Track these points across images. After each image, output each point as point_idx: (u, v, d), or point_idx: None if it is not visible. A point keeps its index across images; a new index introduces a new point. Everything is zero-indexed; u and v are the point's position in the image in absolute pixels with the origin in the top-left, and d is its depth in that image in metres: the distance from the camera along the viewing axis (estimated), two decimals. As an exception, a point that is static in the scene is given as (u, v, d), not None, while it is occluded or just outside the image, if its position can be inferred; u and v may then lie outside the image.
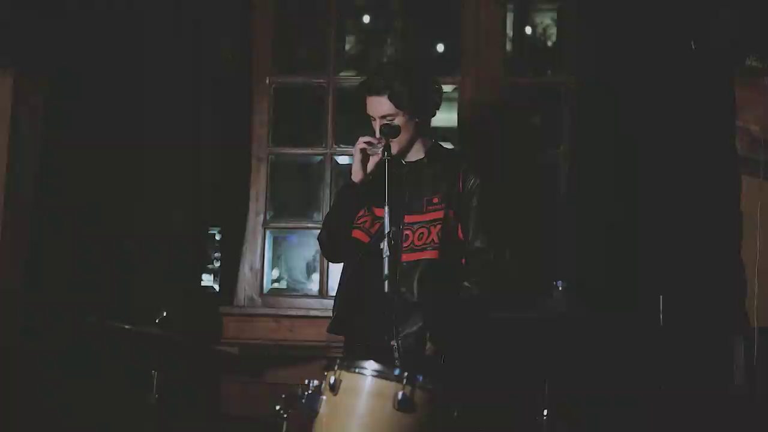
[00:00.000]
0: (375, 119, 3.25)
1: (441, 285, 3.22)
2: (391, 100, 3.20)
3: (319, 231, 4.26)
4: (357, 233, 3.34)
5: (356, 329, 3.30)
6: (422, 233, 3.25)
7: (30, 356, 3.84)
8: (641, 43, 3.81)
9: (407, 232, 3.27)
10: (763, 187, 3.80)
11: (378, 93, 3.22)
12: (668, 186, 3.77)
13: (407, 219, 3.28)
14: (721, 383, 3.61)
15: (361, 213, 3.34)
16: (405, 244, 3.26)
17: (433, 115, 3.35)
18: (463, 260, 3.26)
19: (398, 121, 3.21)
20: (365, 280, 3.23)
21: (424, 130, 3.33)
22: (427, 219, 3.25)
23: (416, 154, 3.34)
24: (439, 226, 3.22)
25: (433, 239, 3.22)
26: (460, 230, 3.26)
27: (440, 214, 3.24)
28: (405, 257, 3.24)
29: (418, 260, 3.22)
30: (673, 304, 3.60)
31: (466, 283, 3.21)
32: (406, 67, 3.30)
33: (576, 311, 3.26)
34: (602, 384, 3.68)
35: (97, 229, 3.90)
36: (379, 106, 3.23)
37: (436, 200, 3.26)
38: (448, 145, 3.64)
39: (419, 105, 3.24)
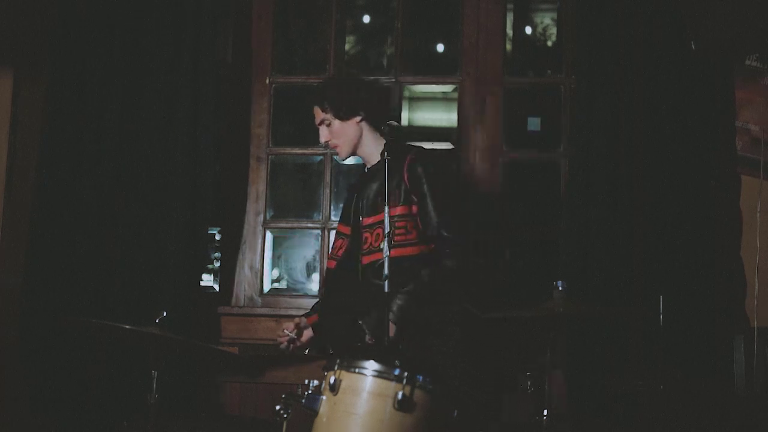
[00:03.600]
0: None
1: (405, 279, 3.23)
2: (316, 105, 3.41)
3: (318, 231, 4.28)
4: (329, 263, 3.51)
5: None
6: (378, 234, 3.30)
7: (30, 356, 3.83)
8: (641, 42, 3.81)
9: (366, 234, 3.35)
10: (762, 187, 3.80)
11: (311, 103, 3.45)
12: (668, 185, 3.77)
13: (365, 222, 3.36)
14: (721, 383, 3.61)
15: (338, 243, 3.48)
16: (364, 247, 3.35)
17: (372, 115, 3.40)
18: (432, 245, 3.27)
19: (333, 125, 3.38)
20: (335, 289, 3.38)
21: (375, 132, 3.41)
22: (382, 219, 3.22)
23: (376, 157, 3.42)
24: (397, 223, 3.26)
25: (393, 236, 3.23)
26: (419, 222, 3.29)
27: (393, 212, 3.25)
28: (365, 259, 3.33)
29: (378, 260, 3.24)
30: (673, 304, 3.60)
31: (423, 272, 3.22)
32: (334, 76, 3.47)
33: (576, 310, 3.26)
34: (602, 383, 3.68)
35: (97, 229, 3.90)
36: (316, 114, 3.44)
37: (390, 197, 3.28)
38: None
39: (345, 108, 3.36)
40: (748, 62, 3.89)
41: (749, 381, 3.55)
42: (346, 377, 2.49)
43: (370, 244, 3.33)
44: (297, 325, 3.45)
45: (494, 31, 4.19)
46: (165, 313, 3.12)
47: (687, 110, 3.78)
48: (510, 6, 4.38)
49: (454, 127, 4.25)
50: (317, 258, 4.36)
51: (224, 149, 4.24)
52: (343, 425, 2.45)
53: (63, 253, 3.88)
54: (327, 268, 3.54)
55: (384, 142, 3.33)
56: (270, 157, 4.24)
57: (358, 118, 3.39)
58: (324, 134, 3.43)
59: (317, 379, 2.55)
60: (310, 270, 5.07)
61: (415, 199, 3.29)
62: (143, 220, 3.92)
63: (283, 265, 5.33)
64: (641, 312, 3.66)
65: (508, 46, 4.44)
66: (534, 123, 4.87)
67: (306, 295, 4.58)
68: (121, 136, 3.95)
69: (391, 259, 3.14)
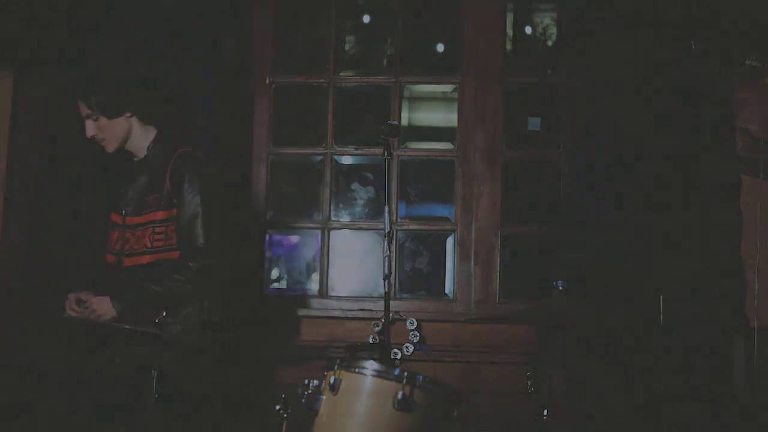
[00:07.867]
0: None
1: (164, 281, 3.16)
2: (82, 101, 3.26)
3: (319, 231, 4.28)
4: (108, 257, 3.37)
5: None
6: (140, 236, 3.24)
7: (30, 355, 3.83)
8: (641, 42, 3.81)
9: (128, 234, 3.27)
10: (763, 187, 3.80)
11: (77, 97, 3.28)
12: (668, 185, 3.77)
13: (128, 221, 3.28)
14: (721, 383, 3.61)
15: (115, 234, 3.34)
16: (126, 247, 3.26)
17: (142, 110, 3.30)
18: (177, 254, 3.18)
19: (101, 121, 3.25)
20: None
21: (145, 126, 3.31)
22: (145, 221, 3.23)
23: (142, 151, 3.33)
24: (157, 228, 3.20)
25: (152, 241, 3.20)
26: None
27: (156, 216, 3.20)
28: (127, 262, 3.25)
29: (139, 264, 3.21)
30: (674, 304, 3.60)
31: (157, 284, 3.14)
32: (101, 71, 3.35)
33: (576, 310, 3.26)
34: (602, 383, 3.68)
35: (97, 229, 3.90)
36: (81, 109, 3.28)
37: (151, 200, 3.23)
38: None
39: (113, 106, 3.24)
40: (748, 62, 3.89)
41: (749, 381, 3.55)
42: (346, 377, 2.49)
43: (132, 246, 3.25)
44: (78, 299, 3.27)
45: (494, 31, 4.19)
46: (165, 313, 3.12)
47: (687, 110, 3.78)
48: (510, 6, 4.38)
49: (454, 127, 4.25)
50: (317, 258, 4.36)
51: (224, 149, 4.23)
52: (343, 425, 2.45)
53: (63, 253, 3.88)
54: (107, 263, 3.38)
55: (154, 133, 3.30)
56: (270, 157, 4.24)
57: (128, 114, 3.28)
58: (90, 129, 3.27)
59: (317, 379, 2.55)
60: (310, 270, 5.06)
61: (176, 203, 3.18)
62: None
63: (283, 265, 5.33)
64: (641, 312, 3.66)
65: (508, 46, 4.44)
66: (534, 123, 4.86)
67: (306, 295, 4.58)
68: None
69: (150, 264, 3.15)
